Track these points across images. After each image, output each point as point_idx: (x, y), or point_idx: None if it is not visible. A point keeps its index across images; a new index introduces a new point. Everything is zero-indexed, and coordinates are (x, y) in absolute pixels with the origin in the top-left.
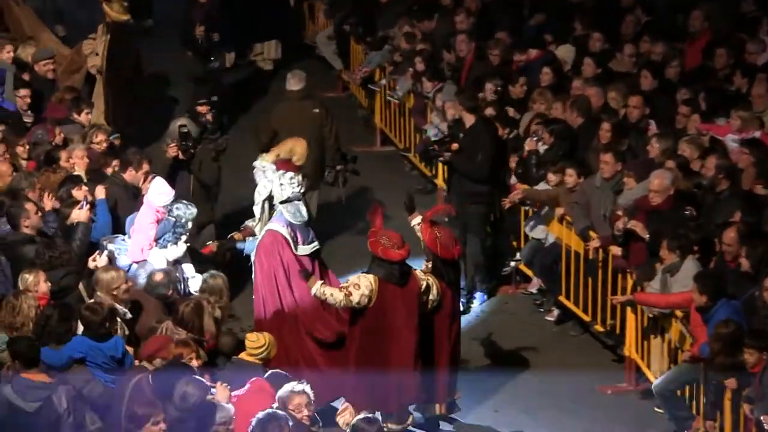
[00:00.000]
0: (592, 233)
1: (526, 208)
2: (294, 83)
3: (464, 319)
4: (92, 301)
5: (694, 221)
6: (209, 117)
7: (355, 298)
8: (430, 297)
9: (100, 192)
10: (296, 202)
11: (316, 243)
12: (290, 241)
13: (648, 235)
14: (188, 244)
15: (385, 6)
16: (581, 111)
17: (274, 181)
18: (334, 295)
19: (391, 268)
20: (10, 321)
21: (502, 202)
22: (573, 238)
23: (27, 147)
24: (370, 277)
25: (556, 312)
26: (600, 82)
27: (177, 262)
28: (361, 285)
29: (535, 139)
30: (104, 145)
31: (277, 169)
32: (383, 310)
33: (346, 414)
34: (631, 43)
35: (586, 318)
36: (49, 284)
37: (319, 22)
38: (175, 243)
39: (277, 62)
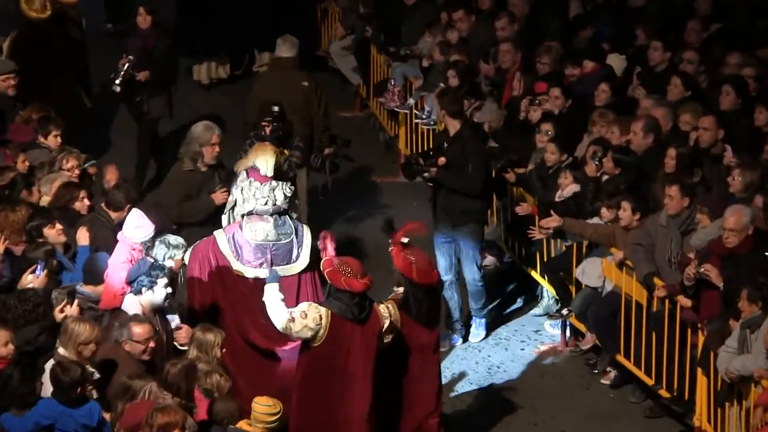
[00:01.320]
0: (656, 281)
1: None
2: (285, 49)
3: (500, 382)
4: (62, 356)
5: None
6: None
7: (295, 327)
8: (387, 337)
9: (83, 237)
10: (265, 218)
11: (273, 271)
12: (227, 256)
13: (723, 283)
14: (170, 290)
15: (410, 12)
16: (651, 135)
17: (240, 189)
18: (276, 310)
19: (350, 302)
20: None
21: (530, 235)
22: (635, 287)
23: None
24: (323, 310)
25: (613, 374)
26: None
27: (158, 311)
28: (308, 315)
29: (596, 162)
30: (76, 172)
31: (247, 177)
32: (334, 353)
33: None
34: (696, 51)
35: (649, 381)
36: (12, 347)
37: (334, 29)
38: (151, 288)
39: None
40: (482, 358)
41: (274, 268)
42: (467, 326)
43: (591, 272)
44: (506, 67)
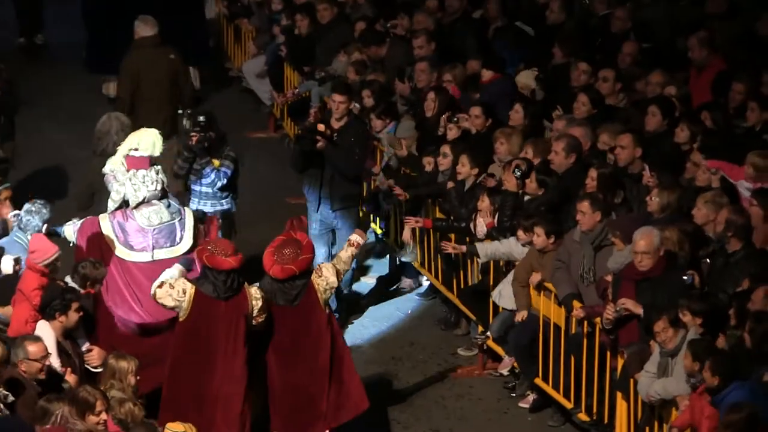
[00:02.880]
0: (575, 303)
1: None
2: (147, 29)
3: (417, 403)
4: None
5: (696, 288)
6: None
7: (159, 293)
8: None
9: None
10: (154, 203)
11: (187, 260)
12: (111, 240)
13: (641, 311)
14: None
15: (324, 31)
16: (575, 155)
17: (126, 183)
18: (162, 278)
19: (216, 280)
20: None
21: (442, 247)
22: (552, 309)
23: None
24: (188, 285)
25: (531, 397)
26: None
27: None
28: (174, 287)
29: (516, 176)
30: None
31: (128, 169)
32: (198, 328)
33: None
34: (614, 70)
35: (568, 404)
36: None
37: (246, 48)
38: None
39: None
40: (398, 380)
41: (186, 257)
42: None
43: (507, 294)
44: (422, 86)
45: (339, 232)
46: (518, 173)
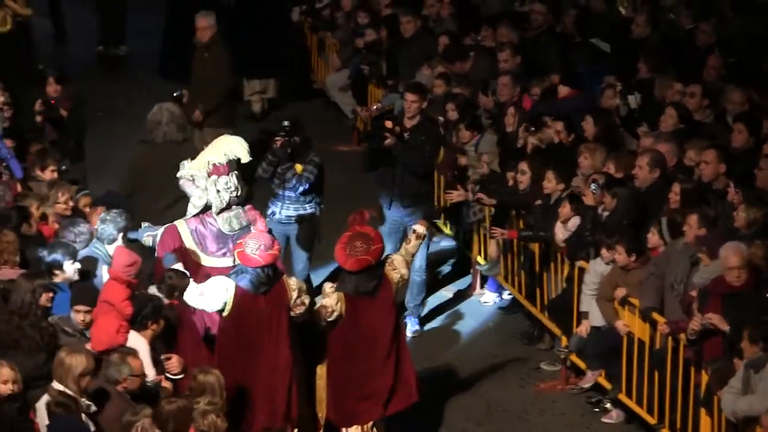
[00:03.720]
0: (658, 317)
1: None
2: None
3: (500, 419)
4: (59, 390)
5: None
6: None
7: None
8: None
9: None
10: (233, 208)
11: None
12: (191, 246)
13: (728, 327)
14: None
15: (407, 45)
16: (660, 170)
17: (209, 189)
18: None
19: (251, 275)
20: None
21: (491, 233)
22: (637, 324)
23: None
24: (229, 282)
25: (614, 413)
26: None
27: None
28: (218, 288)
29: (594, 191)
30: (69, 204)
31: (210, 175)
32: (241, 324)
33: None
34: (700, 85)
35: (651, 420)
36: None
37: (330, 61)
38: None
39: (270, 102)
40: (480, 395)
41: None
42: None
43: (594, 311)
44: (504, 100)
45: (410, 230)
46: (595, 187)
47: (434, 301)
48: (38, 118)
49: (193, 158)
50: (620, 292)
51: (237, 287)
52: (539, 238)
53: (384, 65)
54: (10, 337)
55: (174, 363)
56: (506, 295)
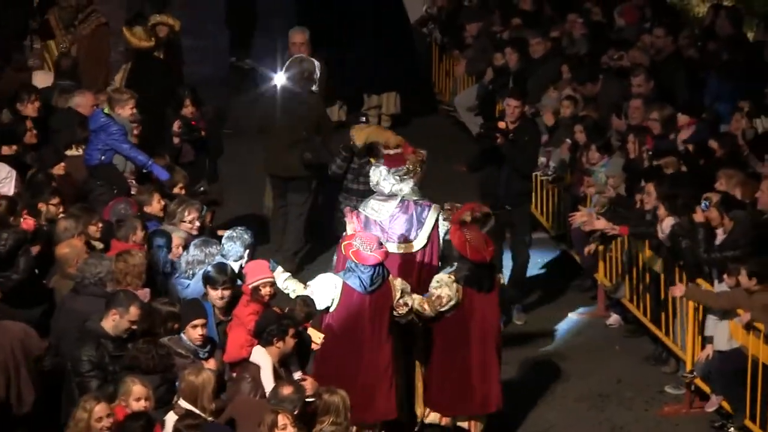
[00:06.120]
0: None
1: None
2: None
3: None
4: (186, 409)
5: None
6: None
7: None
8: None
9: None
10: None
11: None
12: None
13: None
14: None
15: (537, 65)
16: None
17: (388, 179)
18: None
19: (362, 274)
20: None
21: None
22: (761, 348)
23: (100, 225)
24: (337, 279)
25: None
26: None
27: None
28: (323, 286)
29: (703, 207)
30: (196, 224)
31: (385, 165)
32: (345, 321)
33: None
34: None
35: None
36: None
37: (455, 75)
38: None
39: (396, 119)
40: (605, 418)
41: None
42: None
43: (720, 336)
44: (635, 123)
45: (513, 229)
46: (705, 205)
47: (561, 323)
48: (176, 140)
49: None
50: (745, 318)
51: (345, 285)
52: (650, 234)
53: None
54: (129, 359)
55: (307, 385)
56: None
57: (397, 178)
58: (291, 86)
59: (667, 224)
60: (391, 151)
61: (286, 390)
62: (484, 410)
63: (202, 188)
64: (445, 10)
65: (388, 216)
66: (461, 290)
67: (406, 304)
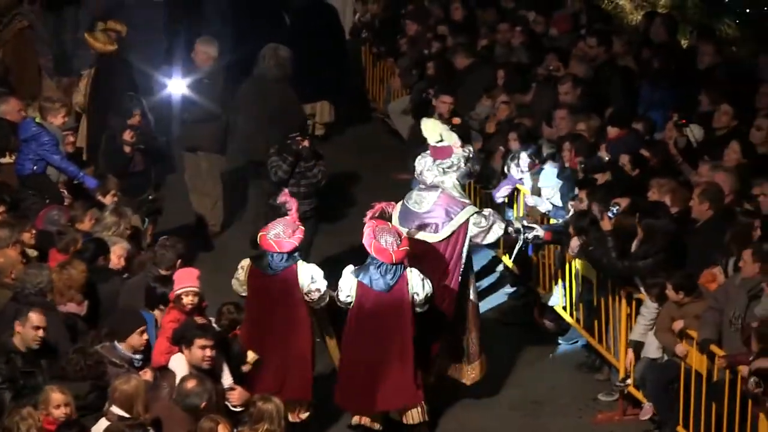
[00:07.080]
0: (716, 349)
1: None
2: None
3: None
4: (119, 415)
5: None
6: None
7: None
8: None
9: None
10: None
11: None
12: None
13: None
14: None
15: (464, 75)
16: (713, 203)
17: (432, 169)
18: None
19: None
20: None
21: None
22: (695, 356)
23: (34, 232)
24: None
25: None
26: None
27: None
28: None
29: (611, 215)
30: (127, 233)
31: (431, 156)
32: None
33: None
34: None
35: None
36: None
37: (390, 85)
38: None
39: (330, 127)
40: (540, 424)
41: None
42: None
43: (651, 343)
44: (561, 133)
45: None
46: (613, 213)
47: (494, 330)
48: (127, 149)
49: None
50: (677, 325)
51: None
52: (560, 242)
53: None
54: (58, 370)
55: (235, 395)
56: (564, 325)
57: (441, 170)
58: (265, 73)
59: (574, 247)
60: (439, 144)
61: (190, 384)
62: (386, 407)
63: (150, 196)
64: (378, 17)
65: (429, 207)
66: (357, 286)
67: (318, 290)
